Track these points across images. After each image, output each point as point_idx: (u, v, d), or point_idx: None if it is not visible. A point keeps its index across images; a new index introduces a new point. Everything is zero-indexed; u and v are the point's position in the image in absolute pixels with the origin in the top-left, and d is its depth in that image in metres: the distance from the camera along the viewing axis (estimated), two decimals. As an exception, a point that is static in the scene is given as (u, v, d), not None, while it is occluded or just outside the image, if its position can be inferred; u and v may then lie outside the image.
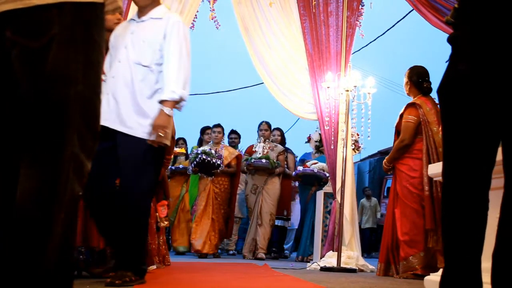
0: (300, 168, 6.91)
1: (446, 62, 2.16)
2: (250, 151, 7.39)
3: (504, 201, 2.07)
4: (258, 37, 5.72)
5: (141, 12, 3.34)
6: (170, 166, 7.50)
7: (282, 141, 7.62)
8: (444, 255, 2.09)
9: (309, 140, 6.61)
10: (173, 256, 6.84)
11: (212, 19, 5.67)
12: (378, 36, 13.58)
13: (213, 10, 5.63)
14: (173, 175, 7.52)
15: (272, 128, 7.57)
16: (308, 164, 6.85)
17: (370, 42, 14.50)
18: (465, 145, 2.04)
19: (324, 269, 4.93)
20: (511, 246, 2.01)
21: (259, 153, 7.13)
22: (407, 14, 10.06)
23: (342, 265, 4.98)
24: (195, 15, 5.64)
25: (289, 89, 5.76)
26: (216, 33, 6.17)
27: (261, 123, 7.39)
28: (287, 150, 7.60)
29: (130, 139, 3.12)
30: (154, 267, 4.28)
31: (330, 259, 5.17)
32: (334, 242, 5.38)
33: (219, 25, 5.72)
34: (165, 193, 4.92)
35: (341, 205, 5.14)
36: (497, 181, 2.22)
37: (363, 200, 12.23)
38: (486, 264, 2.03)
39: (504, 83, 1.95)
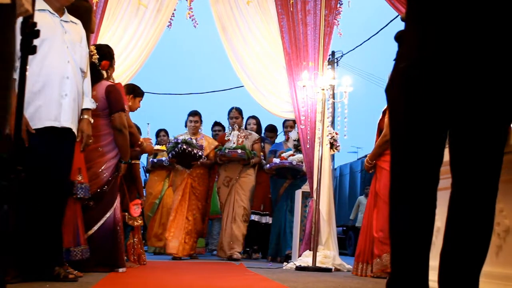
0: (276, 160, 6.37)
1: (394, 60, 2.15)
2: (222, 140, 6.67)
3: (452, 200, 2.07)
4: (235, 35, 5.69)
5: (59, 10, 3.27)
6: (151, 159, 7.12)
7: (258, 131, 7.05)
8: (391, 253, 2.08)
9: (287, 139, 6.46)
10: (151, 255, 6.79)
11: (190, 17, 5.64)
12: (373, 35, 13.57)
13: (191, 8, 5.60)
14: (154, 169, 7.07)
15: (248, 116, 7.10)
16: (285, 155, 6.35)
17: (364, 42, 14.50)
18: (410, 143, 2.03)
19: (299, 268, 4.91)
20: (459, 245, 2.01)
21: (233, 142, 6.48)
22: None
23: (318, 265, 4.96)
24: (173, 14, 5.62)
25: (266, 87, 5.73)
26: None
27: (230, 110, 6.75)
28: (264, 139, 7.11)
29: (74, 138, 3.32)
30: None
31: (307, 259, 5.15)
32: (311, 241, 5.36)
33: (197, 24, 5.69)
34: (138, 192, 4.91)
35: (317, 204, 5.12)
36: (445, 181, 2.21)
37: (361, 198, 12.14)
38: (433, 262, 2.02)
39: (444, 81, 1.94)
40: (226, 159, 6.42)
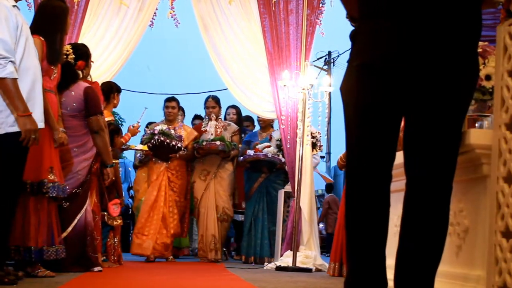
0: (250, 152, 5.96)
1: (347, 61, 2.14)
2: (198, 131, 6.10)
3: (406, 200, 2.07)
4: (217, 35, 5.67)
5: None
6: (138, 155, 6.61)
7: (238, 121, 6.60)
8: (347, 251, 2.07)
9: (270, 139, 6.36)
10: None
11: (172, 16, 5.62)
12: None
13: (172, 8, 5.59)
14: (142, 165, 6.47)
15: (228, 106, 6.69)
16: (259, 147, 5.97)
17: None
18: (364, 141, 2.03)
19: (279, 268, 4.90)
20: (413, 244, 2.01)
21: (211, 134, 5.89)
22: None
23: (299, 265, 4.95)
24: (155, 13, 5.61)
25: (248, 87, 5.71)
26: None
27: (207, 99, 6.18)
28: (244, 130, 6.65)
29: None
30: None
31: (288, 259, 5.13)
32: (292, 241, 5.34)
33: (179, 23, 5.68)
34: (117, 192, 4.90)
35: (297, 204, 5.12)
36: (399, 183, 2.21)
37: None
38: (390, 261, 2.02)
39: (396, 77, 1.94)
40: (204, 152, 5.91)
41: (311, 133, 5.55)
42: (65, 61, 3.91)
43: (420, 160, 2.01)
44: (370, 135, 2.00)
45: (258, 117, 6.26)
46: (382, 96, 1.98)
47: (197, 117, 7.20)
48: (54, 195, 3.58)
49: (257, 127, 6.78)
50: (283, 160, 5.83)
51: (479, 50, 2.67)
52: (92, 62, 4.43)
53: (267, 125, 6.24)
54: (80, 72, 4.10)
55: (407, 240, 2.03)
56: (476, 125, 2.52)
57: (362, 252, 2.01)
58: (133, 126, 5.47)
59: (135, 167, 6.75)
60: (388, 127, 2.01)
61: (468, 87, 2.03)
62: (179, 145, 5.63)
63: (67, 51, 4.00)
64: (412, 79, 1.94)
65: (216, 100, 6.15)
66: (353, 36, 2.10)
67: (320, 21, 5.54)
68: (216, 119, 6.05)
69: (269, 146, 5.98)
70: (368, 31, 2.01)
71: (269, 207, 5.99)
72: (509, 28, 2.05)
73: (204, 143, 5.80)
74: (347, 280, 2.06)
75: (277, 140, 5.88)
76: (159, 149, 5.60)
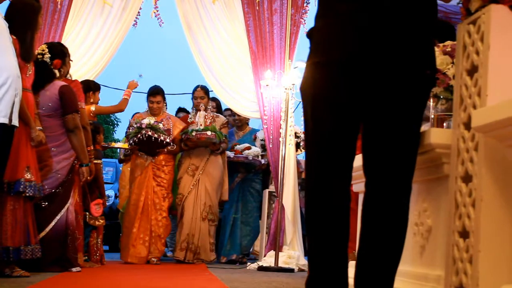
0: (230, 154, 5.78)
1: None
2: (185, 122, 5.71)
3: (364, 200, 2.06)
4: (201, 34, 5.65)
5: None
6: (123, 149, 6.28)
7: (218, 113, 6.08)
8: (308, 252, 2.06)
9: (255, 138, 6.30)
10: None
11: (155, 16, 5.62)
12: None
13: (156, 7, 5.58)
14: (127, 159, 6.09)
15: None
16: (239, 148, 5.84)
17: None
18: (322, 141, 2.01)
19: (261, 268, 4.89)
20: (372, 245, 2.00)
21: (200, 124, 5.45)
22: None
23: (282, 265, 4.94)
24: (138, 12, 5.60)
25: (232, 87, 5.70)
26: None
27: (195, 89, 5.73)
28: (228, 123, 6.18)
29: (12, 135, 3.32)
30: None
31: (271, 259, 5.12)
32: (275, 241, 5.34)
33: (163, 23, 5.68)
34: (100, 192, 4.88)
35: (280, 203, 5.12)
36: (360, 185, 2.20)
37: None
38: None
39: (352, 78, 1.93)
40: (193, 144, 5.49)
41: (295, 133, 5.55)
42: (40, 60, 3.91)
43: (378, 160, 2.00)
44: (328, 134, 1.98)
45: (234, 115, 6.21)
46: (338, 94, 1.96)
47: (181, 110, 6.75)
48: (30, 194, 3.58)
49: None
50: (263, 162, 5.82)
51: (448, 49, 2.67)
52: (71, 60, 4.42)
53: (243, 123, 6.25)
54: (57, 71, 4.09)
55: (366, 240, 2.03)
56: (444, 124, 2.51)
57: (322, 252, 2.00)
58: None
59: (120, 161, 6.55)
60: (346, 127, 1.99)
61: (426, 86, 2.02)
62: (167, 140, 5.32)
63: (43, 50, 3.99)
64: (368, 77, 1.92)
65: (205, 90, 5.75)
66: (309, 34, 2.09)
67: (304, 20, 5.53)
68: (205, 110, 5.66)
69: (249, 148, 5.85)
70: (323, 28, 2.00)
71: (246, 205, 5.96)
72: (468, 27, 2.04)
73: (194, 133, 5.39)
74: (308, 280, 2.05)
75: (262, 140, 5.86)
76: (146, 144, 5.28)
